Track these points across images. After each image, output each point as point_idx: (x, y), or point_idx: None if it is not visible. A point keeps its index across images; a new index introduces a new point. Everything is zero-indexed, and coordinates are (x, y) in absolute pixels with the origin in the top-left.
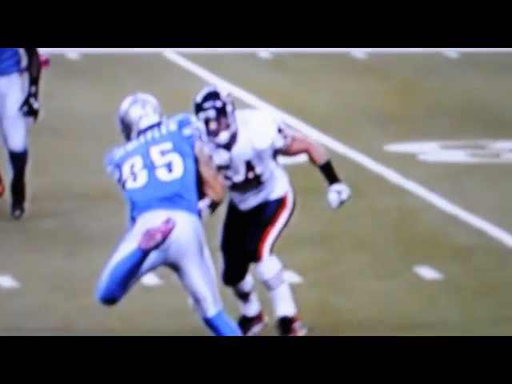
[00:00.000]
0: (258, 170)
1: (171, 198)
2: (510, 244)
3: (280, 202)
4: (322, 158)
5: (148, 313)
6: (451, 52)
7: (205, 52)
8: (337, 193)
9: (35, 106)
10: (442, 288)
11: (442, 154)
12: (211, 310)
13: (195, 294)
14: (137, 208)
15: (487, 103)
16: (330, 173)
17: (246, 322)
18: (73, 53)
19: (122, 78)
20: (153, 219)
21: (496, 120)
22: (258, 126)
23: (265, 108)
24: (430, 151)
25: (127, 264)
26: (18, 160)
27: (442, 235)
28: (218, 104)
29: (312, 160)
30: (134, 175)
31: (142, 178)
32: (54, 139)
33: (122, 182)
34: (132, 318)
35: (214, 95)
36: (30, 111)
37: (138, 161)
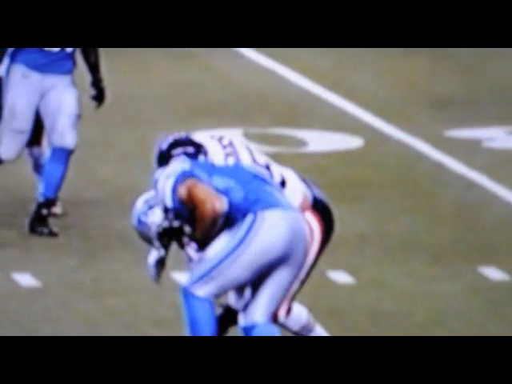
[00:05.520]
0: None
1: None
2: None
3: None
4: None
5: (181, 316)
6: None
7: None
8: None
9: (104, 91)
10: (509, 290)
11: (510, 140)
12: (261, 317)
13: (260, 294)
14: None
15: None
16: None
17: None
18: None
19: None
20: (275, 225)
21: None
22: None
23: None
24: (497, 137)
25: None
26: (68, 158)
27: (509, 231)
28: (190, 150)
29: None
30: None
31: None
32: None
33: None
34: (164, 321)
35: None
36: (98, 95)
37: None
